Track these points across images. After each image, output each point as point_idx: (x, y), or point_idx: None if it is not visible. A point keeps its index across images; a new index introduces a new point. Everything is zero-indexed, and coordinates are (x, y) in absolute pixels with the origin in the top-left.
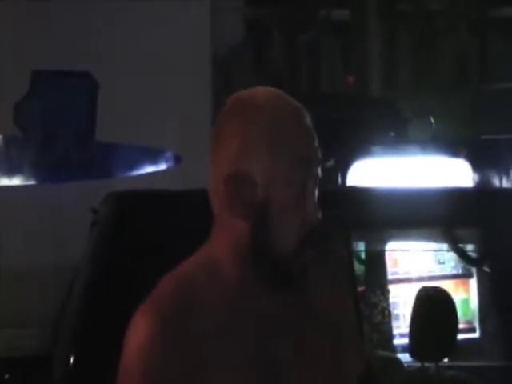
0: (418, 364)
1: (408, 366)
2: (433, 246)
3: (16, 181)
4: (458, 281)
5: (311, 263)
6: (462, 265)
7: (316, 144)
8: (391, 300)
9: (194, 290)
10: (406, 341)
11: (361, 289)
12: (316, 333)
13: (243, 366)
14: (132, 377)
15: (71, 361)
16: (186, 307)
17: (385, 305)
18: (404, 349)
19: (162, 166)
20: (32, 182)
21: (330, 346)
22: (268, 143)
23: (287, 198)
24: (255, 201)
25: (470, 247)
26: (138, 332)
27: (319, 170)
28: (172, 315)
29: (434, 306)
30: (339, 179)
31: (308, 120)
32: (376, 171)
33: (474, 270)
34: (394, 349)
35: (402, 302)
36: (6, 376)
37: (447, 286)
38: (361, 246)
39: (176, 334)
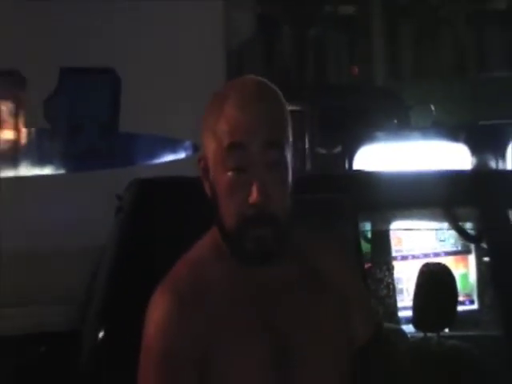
0: (421, 334)
1: (411, 337)
2: (434, 224)
3: (47, 170)
4: (458, 257)
5: (275, 240)
6: (461, 242)
7: (262, 128)
8: (395, 275)
9: (206, 271)
10: (409, 313)
11: (367, 265)
12: (320, 303)
13: (252, 337)
14: (152, 348)
15: (99, 336)
16: (199, 287)
17: (390, 280)
18: (407, 320)
19: (181, 154)
20: (60, 172)
21: (337, 315)
22: (212, 130)
23: (225, 181)
24: (210, 181)
25: (468, 225)
26: (157, 309)
27: (273, 154)
28: (188, 294)
29: (435, 281)
30: (346, 164)
31: (260, 106)
32: (381, 156)
33: (472, 246)
34: (398, 321)
35: (405, 278)
36: (43, 349)
37: (448, 261)
38: (367, 226)
39: (191, 310)
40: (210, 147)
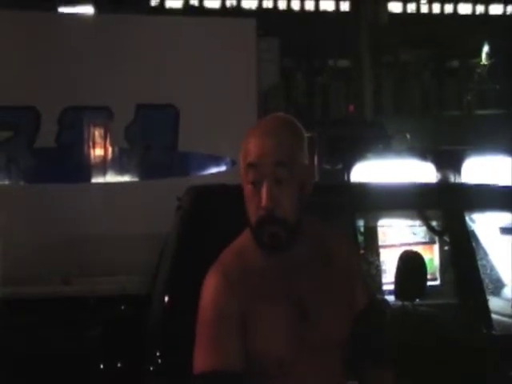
0: (399, 303)
1: (393, 305)
2: (409, 222)
3: (125, 178)
4: (426, 246)
5: (285, 235)
6: (429, 235)
7: (271, 152)
8: (381, 259)
9: (246, 256)
10: (391, 287)
11: (361, 252)
12: (329, 276)
13: (279, 305)
14: (207, 312)
15: (165, 299)
16: (240, 268)
17: (377, 263)
18: (390, 292)
19: (222, 168)
20: (136, 179)
21: (341, 286)
22: (241, 154)
23: (247, 191)
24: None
25: (434, 223)
26: (210, 284)
27: (280, 172)
28: (231, 274)
29: (410, 263)
30: (346, 177)
31: (272, 135)
32: (371, 171)
33: (437, 238)
34: (383, 293)
35: (388, 261)
36: (122, 308)
37: (419, 249)
38: (361, 223)
39: (234, 285)
40: (240, 166)
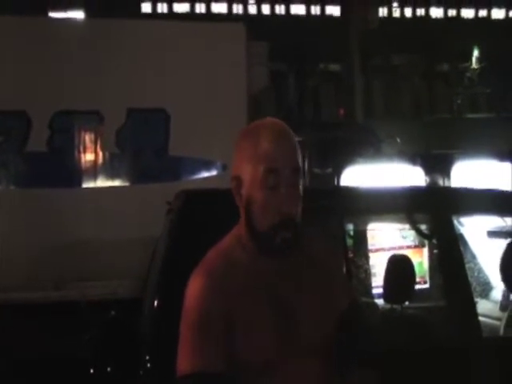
0: (389, 306)
1: (382, 308)
2: (398, 226)
3: (116, 182)
4: (416, 249)
5: (294, 240)
6: (418, 238)
7: (290, 158)
8: (370, 263)
9: (230, 257)
10: (380, 290)
11: (350, 255)
12: (313, 280)
13: (263, 304)
14: (190, 314)
15: (155, 302)
16: (224, 269)
17: (366, 266)
18: (379, 296)
19: (214, 172)
20: (126, 184)
21: (324, 290)
22: (249, 157)
23: (262, 196)
24: (243, 195)
25: (423, 226)
26: (194, 285)
27: (296, 177)
28: (216, 274)
29: (399, 267)
30: (335, 181)
31: (287, 141)
32: (360, 175)
33: (426, 242)
34: (372, 296)
35: (377, 264)
36: (113, 312)
37: (408, 253)
38: (350, 226)
39: (218, 286)
40: (247, 170)
